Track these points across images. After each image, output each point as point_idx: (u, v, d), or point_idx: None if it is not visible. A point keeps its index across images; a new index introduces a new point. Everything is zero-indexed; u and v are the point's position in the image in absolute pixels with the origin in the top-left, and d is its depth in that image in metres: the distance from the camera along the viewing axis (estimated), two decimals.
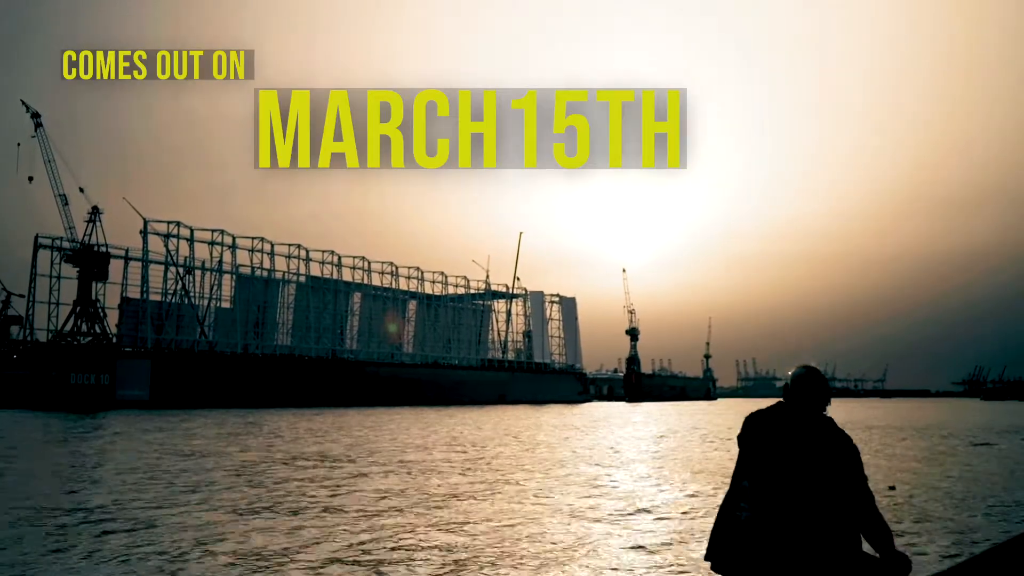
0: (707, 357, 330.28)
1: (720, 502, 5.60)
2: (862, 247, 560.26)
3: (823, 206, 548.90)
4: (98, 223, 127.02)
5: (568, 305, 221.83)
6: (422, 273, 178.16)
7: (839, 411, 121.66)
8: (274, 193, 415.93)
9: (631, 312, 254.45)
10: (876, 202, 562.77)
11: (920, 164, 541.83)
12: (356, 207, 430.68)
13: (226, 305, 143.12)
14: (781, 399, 5.75)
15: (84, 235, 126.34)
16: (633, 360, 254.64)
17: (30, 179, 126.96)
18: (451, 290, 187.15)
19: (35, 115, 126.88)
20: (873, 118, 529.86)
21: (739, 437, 5.64)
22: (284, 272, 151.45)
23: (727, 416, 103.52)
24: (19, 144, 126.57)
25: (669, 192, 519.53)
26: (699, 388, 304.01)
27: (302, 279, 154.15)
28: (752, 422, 5.64)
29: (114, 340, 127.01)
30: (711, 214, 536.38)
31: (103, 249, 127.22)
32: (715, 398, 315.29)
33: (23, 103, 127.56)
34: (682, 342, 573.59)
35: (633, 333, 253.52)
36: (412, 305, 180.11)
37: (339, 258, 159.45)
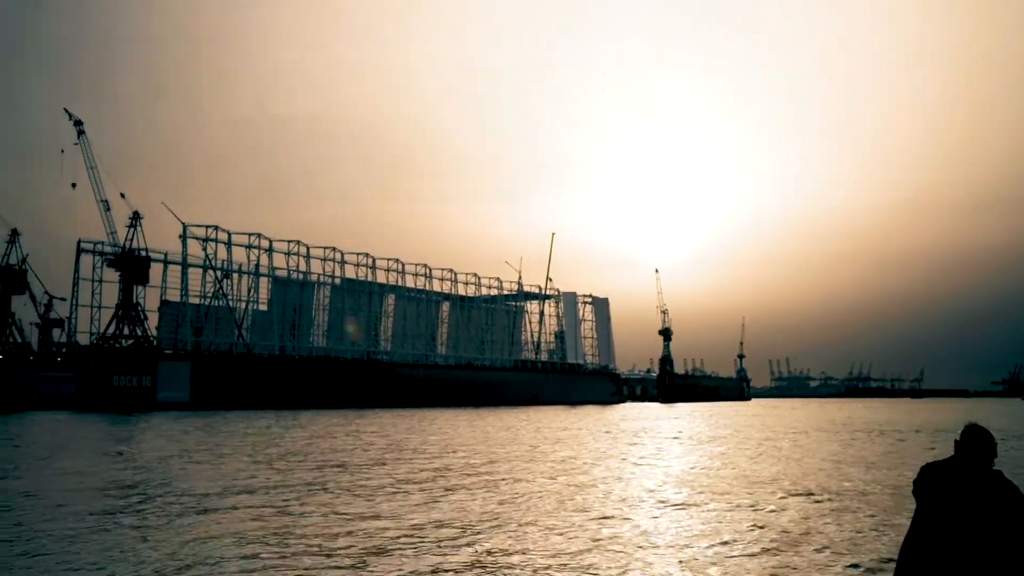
0: (740, 357, 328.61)
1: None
2: (898, 245, 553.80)
3: (858, 204, 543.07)
4: (139, 228, 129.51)
5: (601, 305, 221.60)
6: (455, 275, 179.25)
7: (872, 412, 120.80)
8: (309, 196, 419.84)
9: (664, 312, 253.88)
10: (913, 199, 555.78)
11: (956, 161, 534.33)
12: (390, 209, 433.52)
13: (263, 307, 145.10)
14: (953, 454, 6.13)
15: (125, 240, 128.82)
16: (666, 360, 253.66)
17: (73, 185, 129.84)
18: (484, 291, 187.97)
19: (78, 123, 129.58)
20: (904, 117, 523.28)
21: (915, 490, 6.13)
22: (319, 274, 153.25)
23: (767, 418, 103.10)
24: (62, 151, 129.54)
25: (701, 191, 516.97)
26: (733, 388, 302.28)
27: (337, 281, 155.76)
28: (928, 476, 6.12)
29: (155, 343, 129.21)
30: (743, 213, 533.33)
31: (144, 253, 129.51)
32: (749, 398, 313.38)
33: (66, 111, 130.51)
34: (715, 342, 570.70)
35: (666, 333, 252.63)
36: (445, 307, 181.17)
37: (373, 260, 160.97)
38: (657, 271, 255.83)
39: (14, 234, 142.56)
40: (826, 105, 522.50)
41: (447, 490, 25.45)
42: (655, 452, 43.50)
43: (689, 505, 22.76)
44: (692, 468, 34.24)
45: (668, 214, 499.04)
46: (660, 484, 28.16)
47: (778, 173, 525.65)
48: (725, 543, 17.24)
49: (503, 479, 29.08)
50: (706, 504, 22.92)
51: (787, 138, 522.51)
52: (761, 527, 19.19)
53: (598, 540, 17.45)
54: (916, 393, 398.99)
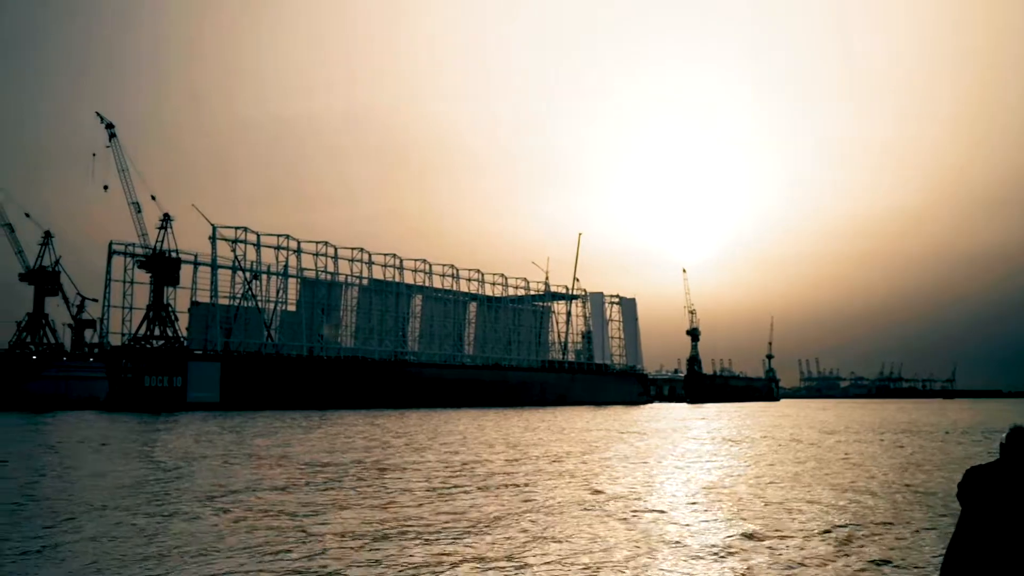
0: (769, 357, 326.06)
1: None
2: (930, 242, 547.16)
3: (888, 203, 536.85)
4: (169, 230, 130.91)
5: (628, 306, 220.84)
6: (482, 275, 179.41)
7: (905, 413, 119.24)
8: (337, 196, 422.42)
9: (692, 312, 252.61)
10: (944, 198, 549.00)
11: (986, 156, 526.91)
12: (418, 209, 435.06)
13: (291, 308, 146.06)
14: (1000, 459, 5.93)
15: (156, 241, 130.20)
16: (694, 360, 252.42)
17: (105, 188, 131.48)
18: (511, 292, 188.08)
19: (109, 126, 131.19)
20: (937, 116, 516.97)
21: (960, 494, 5.95)
22: (347, 275, 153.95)
23: (801, 419, 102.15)
24: (94, 154, 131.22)
25: (727, 190, 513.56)
26: (761, 388, 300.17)
27: (365, 282, 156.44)
28: (974, 479, 5.93)
29: (185, 343, 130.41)
30: (771, 211, 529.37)
31: (174, 255, 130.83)
32: (778, 398, 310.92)
33: (98, 115, 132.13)
34: (743, 342, 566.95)
35: (694, 333, 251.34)
36: (473, 307, 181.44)
37: (401, 261, 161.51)
38: (685, 271, 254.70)
39: (47, 236, 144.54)
40: (853, 102, 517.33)
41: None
42: (720, 471, 43.08)
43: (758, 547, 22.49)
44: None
45: (695, 213, 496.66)
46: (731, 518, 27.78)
47: (807, 171, 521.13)
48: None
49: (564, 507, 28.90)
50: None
51: (815, 136, 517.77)
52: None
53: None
54: (948, 394, 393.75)
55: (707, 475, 31.70)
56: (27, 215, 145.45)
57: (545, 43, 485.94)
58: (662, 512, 21.68)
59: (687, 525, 19.70)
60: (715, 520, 20.43)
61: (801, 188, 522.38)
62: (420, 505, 22.33)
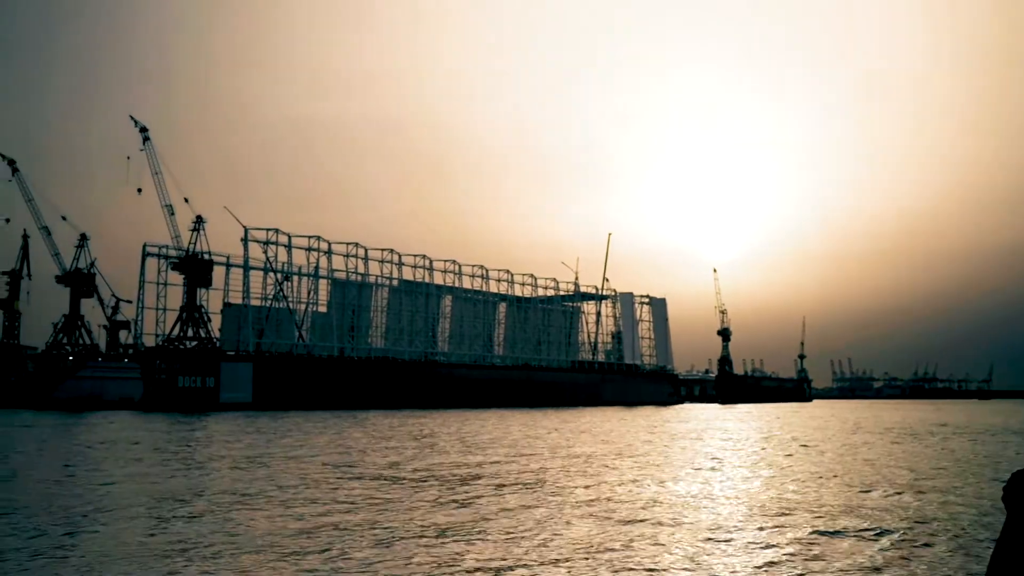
0: (801, 357, 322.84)
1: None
2: (965, 240, 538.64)
3: (920, 199, 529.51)
4: (202, 231, 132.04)
5: (658, 306, 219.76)
6: (512, 276, 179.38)
7: (944, 414, 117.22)
8: (367, 197, 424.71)
9: (722, 312, 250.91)
10: (980, 193, 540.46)
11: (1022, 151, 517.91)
12: (448, 210, 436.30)
13: (322, 309, 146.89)
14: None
15: (189, 243, 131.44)
16: (725, 361, 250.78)
17: (139, 191, 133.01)
18: (540, 292, 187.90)
19: (143, 129, 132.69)
20: (972, 115, 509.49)
21: (1005, 497, 5.63)
22: (377, 276, 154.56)
23: (836, 419, 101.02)
24: (128, 157, 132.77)
25: (757, 189, 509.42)
26: (793, 389, 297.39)
27: (395, 283, 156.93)
28: (1019, 483, 5.61)
29: (217, 344, 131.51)
30: (802, 210, 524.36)
31: (207, 256, 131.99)
32: (810, 399, 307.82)
33: (132, 118, 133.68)
34: (774, 342, 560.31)
35: (725, 333, 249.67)
36: (502, 307, 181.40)
37: (431, 262, 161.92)
38: (715, 271, 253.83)
39: (83, 239, 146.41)
40: (884, 100, 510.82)
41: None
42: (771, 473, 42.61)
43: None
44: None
45: (724, 212, 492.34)
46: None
47: (840, 169, 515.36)
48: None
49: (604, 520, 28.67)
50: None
51: (847, 134, 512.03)
52: None
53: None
54: (984, 394, 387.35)
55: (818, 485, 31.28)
56: (63, 218, 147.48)
57: (573, 44, 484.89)
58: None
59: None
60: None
61: (832, 186, 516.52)
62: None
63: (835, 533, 19.05)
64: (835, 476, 32.03)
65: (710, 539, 18.28)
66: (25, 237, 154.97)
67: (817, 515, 21.64)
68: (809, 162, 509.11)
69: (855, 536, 18.69)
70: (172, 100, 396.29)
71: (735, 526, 19.94)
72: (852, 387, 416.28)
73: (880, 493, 26.46)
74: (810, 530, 19.32)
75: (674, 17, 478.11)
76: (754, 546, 17.53)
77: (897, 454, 43.65)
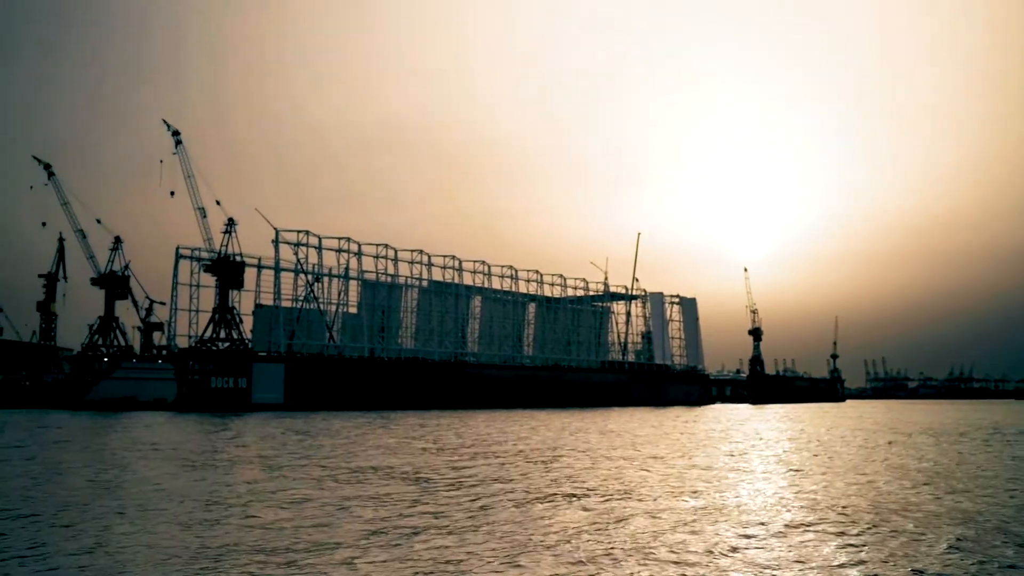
0: (834, 357, 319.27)
1: None
2: (1000, 239, 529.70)
3: (959, 199, 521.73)
4: (233, 234, 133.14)
5: (688, 306, 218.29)
6: (541, 276, 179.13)
7: (976, 413, 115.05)
8: (396, 198, 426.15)
9: (753, 312, 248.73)
10: (1018, 192, 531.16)
11: None
12: (477, 210, 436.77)
13: (352, 310, 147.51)
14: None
15: (221, 246, 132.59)
16: (757, 360, 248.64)
17: (172, 194, 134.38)
18: (570, 292, 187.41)
19: (175, 133, 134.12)
20: (1003, 109, 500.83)
21: None
22: (407, 277, 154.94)
23: (867, 420, 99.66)
24: (161, 161, 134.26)
25: (788, 188, 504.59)
26: (826, 389, 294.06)
27: (425, 284, 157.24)
28: None
29: (249, 345, 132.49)
30: (833, 209, 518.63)
31: (238, 258, 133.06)
32: (843, 399, 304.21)
33: (165, 122, 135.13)
34: (806, 341, 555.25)
35: (756, 333, 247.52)
36: (532, 308, 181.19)
37: (460, 262, 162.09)
38: (746, 270, 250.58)
39: (117, 241, 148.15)
40: (916, 98, 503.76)
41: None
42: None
43: None
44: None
45: (754, 211, 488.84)
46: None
47: (873, 167, 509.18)
48: None
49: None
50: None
51: (879, 132, 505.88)
52: None
53: None
54: (1023, 394, 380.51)
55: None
56: (98, 221, 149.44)
57: (604, 46, 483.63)
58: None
59: None
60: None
61: (864, 184, 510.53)
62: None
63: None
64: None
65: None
66: (61, 240, 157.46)
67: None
68: (840, 160, 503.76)
69: None
70: (204, 104, 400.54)
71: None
72: (886, 387, 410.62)
73: None
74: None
75: (705, 20, 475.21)
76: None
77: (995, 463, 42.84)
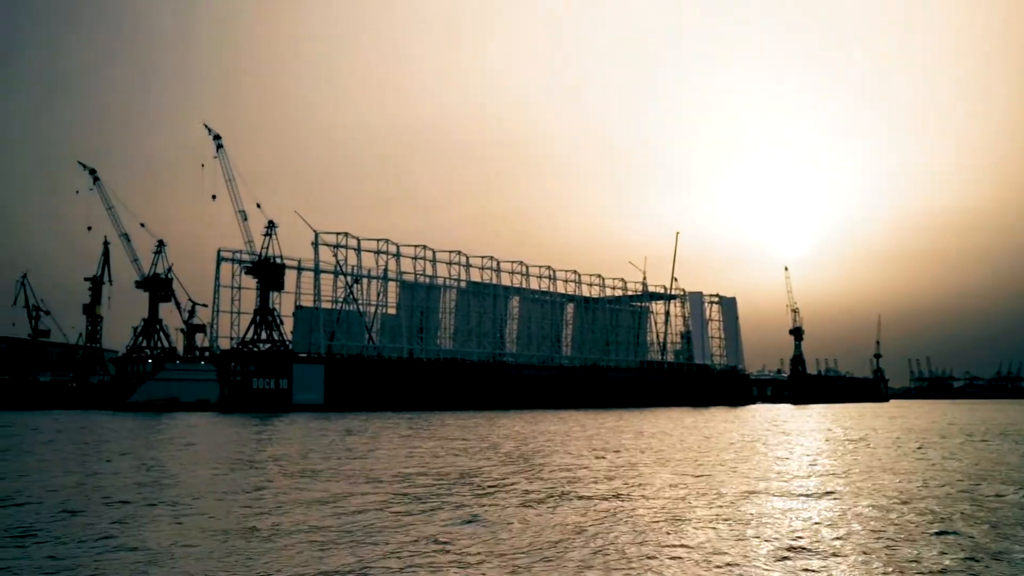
0: (877, 356, 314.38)
1: None
2: None
3: (1004, 197, 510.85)
4: (273, 236, 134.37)
5: (728, 305, 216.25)
6: (579, 276, 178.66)
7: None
8: (434, 200, 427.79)
9: (794, 311, 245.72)
10: None
11: None
12: (514, 210, 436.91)
13: (391, 311, 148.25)
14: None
15: (261, 248, 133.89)
16: (798, 360, 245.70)
17: (213, 197, 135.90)
18: (608, 292, 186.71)
19: (216, 137, 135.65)
20: None
21: None
22: (445, 278, 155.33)
23: (916, 421, 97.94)
24: (203, 165, 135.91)
25: (828, 185, 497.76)
26: (869, 389, 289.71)
27: (463, 284, 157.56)
28: None
29: (290, 347, 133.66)
30: (875, 207, 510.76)
31: (278, 261, 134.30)
32: (887, 399, 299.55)
33: (206, 126, 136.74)
34: (848, 340, 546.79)
35: (797, 332, 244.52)
36: (570, 308, 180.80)
37: (498, 263, 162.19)
38: (787, 269, 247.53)
39: (160, 245, 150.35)
40: (960, 97, 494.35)
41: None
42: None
43: None
44: None
45: (794, 209, 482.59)
46: None
47: (916, 164, 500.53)
48: None
49: None
50: None
51: (923, 129, 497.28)
52: None
53: None
54: None
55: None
56: (142, 225, 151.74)
57: (641, 45, 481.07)
58: None
59: None
60: None
61: (906, 181, 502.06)
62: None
63: None
64: None
65: None
66: (106, 244, 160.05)
67: None
68: (882, 157, 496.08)
69: None
70: (244, 108, 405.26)
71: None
72: (931, 387, 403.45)
73: None
74: None
75: (741, 18, 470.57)
76: None
77: None
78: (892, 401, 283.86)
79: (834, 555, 16.96)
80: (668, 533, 19.18)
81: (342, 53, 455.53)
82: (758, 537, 18.84)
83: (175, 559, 16.33)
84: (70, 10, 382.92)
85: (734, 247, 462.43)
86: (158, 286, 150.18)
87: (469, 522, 20.40)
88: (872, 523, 20.85)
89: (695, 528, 19.94)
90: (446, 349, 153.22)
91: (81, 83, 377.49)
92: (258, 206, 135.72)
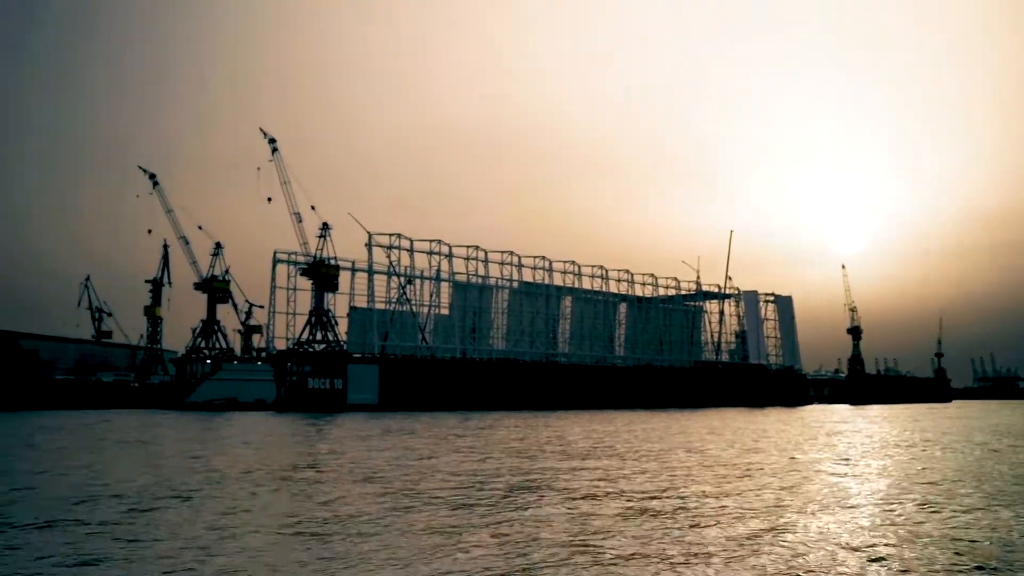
0: (938, 356, 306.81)
1: None
2: None
3: None
4: (328, 238, 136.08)
5: (784, 304, 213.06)
6: (632, 275, 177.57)
7: None
8: (486, 200, 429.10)
9: (852, 310, 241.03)
10: None
11: None
12: (567, 211, 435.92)
13: (444, 312, 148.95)
14: None
15: (316, 250, 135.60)
16: (856, 360, 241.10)
17: (268, 200, 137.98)
18: (661, 291, 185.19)
19: (271, 141, 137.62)
20: None
21: None
22: (498, 278, 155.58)
23: (985, 421, 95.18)
24: (259, 168, 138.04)
25: (886, 182, 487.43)
26: (930, 389, 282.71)
27: (515, 285, 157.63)
28: None
29: (344, 347, 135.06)
30: (936, 203, 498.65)
31: (333, 262, 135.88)
32: (949, 399, 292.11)
33: (261, 131, 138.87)
34: (908, 340, 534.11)
35: (855, 332, 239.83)
36: (623, 308, 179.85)
37: (550, 263, 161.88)
38: (844, 267, 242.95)
39: (218, 247, 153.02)
40: (1018, 86, 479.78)
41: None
42: None
43: None
44: None
45: (849, 206, 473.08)
46: None
47: (979, 159, 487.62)
48: None
49: None
50: None
51: (985, 124, 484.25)
52: None
53: None
54: None
55: None
56: (200, 227, 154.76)
57: (694, 41, 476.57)
58: None
59: None
60: None
61: (966, 176, 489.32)
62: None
63: None
64: None
65: None
66: (165, 247, 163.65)
67: None
68: (941, 152, 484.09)
69: None
70: (298, 111, 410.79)
71: None
72: (995, 386, 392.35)
73: None
74: None
75: (794, 14, 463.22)
76: None
77: None
78: (955, 401, 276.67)
79: None
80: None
81: (394, 55, 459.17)
82: None
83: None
84: (127, 17, 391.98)
85: (788, 245, 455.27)
86: (216, 288, 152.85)
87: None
88: None
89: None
90: (498, 349, 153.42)
91: (142, 89, 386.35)
92: (313, 208, 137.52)
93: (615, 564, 15.88)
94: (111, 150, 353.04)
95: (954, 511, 22.98)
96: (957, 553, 17.20)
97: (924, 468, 36.17)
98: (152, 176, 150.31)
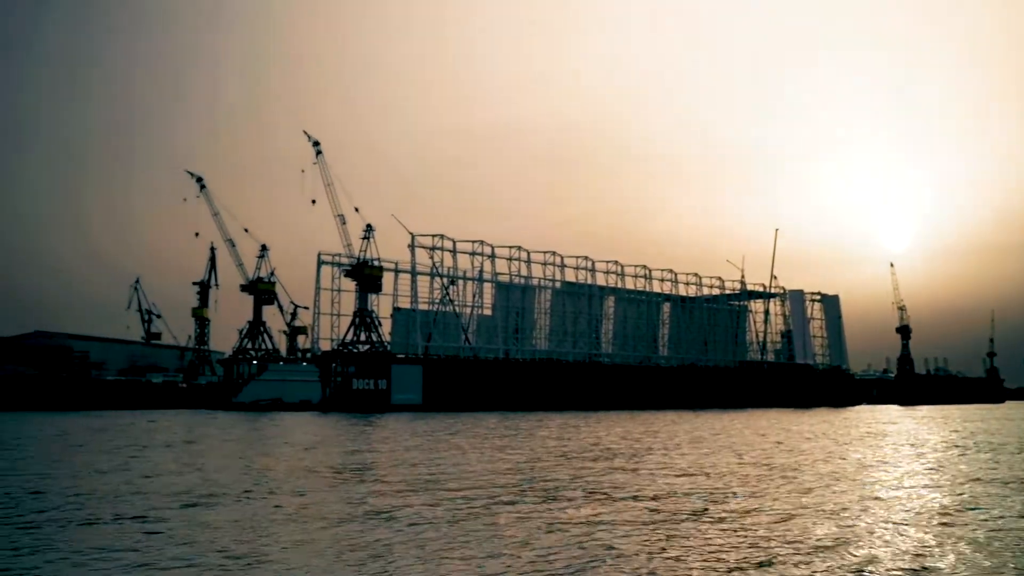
0: (991, 355, 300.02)
1: None
2: None
3: None
4: (371, 239, 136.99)
5: (830, 303, 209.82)
6: (675, 275, 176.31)
7: None
8: (528, 200, 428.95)
9: (901, 309, 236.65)
10: None
11: None
12: (609, 210, 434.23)
13: (487, 312, 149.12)
14: None
15: (360, 251, 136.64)
16: (906, 359, 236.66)
17: (313, 202, 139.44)
18: (705, 291, 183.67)
19: (315, 143, 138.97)
20: None
21: None
22: (540, 279, 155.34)
23: None
24: (303, 171, 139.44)
25: (934, 178, 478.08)
26: (983, 389, 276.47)
27: (558, 285, 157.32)
28: None
29: (388, 348, 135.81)
30: (985, 199, 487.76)
31: (376, 263, 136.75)
32: (1002, 400, 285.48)
33: (305, 133, 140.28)
34: (959, 339, 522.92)
35: (904, 331, 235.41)
36: (666, 307, 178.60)
37: (593, 263, 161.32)
38: (892, 265, 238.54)
39: (263, 249, 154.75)
40: None
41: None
42: None
43: None
44: None
45: (896, 203, 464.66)
46: None
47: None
48: None
49: None
50: None
51: None
52: None
53: None
54: None
55: None
56: (245, 230, 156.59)
57: (737, 41, 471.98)
58: None
59: None
60: None
61: (1016, 173, 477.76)
62: None
63: None
64: None
65: None
66: (212, 249, 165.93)
67: None
68: (992, 147, 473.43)
69: None
70: (342, 114, 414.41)
71: None
72: None
73: None
74: None
75: (837, 11, 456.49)
76: None
77: None
78: (1007, 402, 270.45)
79: None
80: None
81: (435, 57, 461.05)
82: None
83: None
84: (171, 22, 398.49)
85: (834, 244, 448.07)
86: (262, 290, 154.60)
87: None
88: None
89: None
90: (541, 349, 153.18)
91: (187, 93, 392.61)
92: (356, 210, 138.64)
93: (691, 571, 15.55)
94: (160, 154, 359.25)
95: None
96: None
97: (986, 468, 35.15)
98: (199, 179, 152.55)
